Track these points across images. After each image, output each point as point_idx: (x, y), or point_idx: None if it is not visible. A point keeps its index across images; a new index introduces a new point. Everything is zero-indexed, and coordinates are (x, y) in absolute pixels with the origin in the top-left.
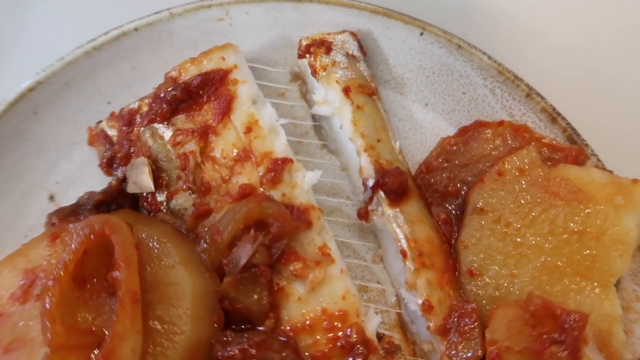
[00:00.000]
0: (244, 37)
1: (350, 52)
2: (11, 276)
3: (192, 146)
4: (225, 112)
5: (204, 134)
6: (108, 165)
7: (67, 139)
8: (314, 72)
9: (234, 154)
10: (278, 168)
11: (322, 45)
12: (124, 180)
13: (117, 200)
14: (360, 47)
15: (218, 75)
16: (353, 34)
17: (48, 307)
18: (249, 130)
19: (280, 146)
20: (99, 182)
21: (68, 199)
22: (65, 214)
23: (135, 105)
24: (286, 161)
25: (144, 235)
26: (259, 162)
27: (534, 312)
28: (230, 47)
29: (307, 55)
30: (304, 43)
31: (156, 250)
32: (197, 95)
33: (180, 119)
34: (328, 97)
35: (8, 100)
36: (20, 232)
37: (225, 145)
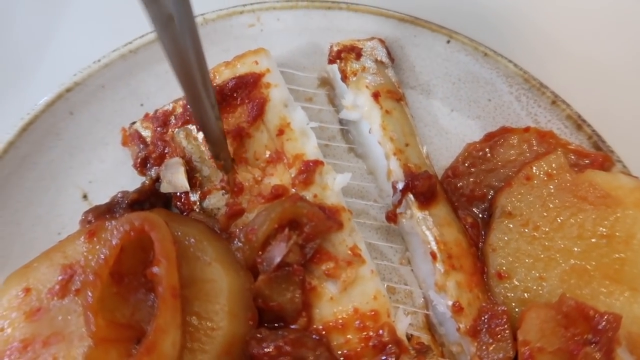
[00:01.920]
0: (273, 42)
1: (379, 58)
2: (49, 271)
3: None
4: (258, 114)
5: (237, 135)
6: (142, 165)
7: (100, 139)
8: (344, 77)
9: (267, 156)
10: (310, 170)
11: (353, 51)
12: (157, 179)
13: (150, 199)
14: (389, 54)
15: (251, 79)
16: (381, 41)
17: (90, 300)
18: (281, 132)
19: (311, 148)
20: (130, 181)
21: (101, 198)
22: (100, 212)
23: (169, 107)
24: (317, 163)
25: (179, 233)
26: (290, 163)
27: (567, 313)
28: (263, 52)
29: (338, 61)
30: (335, 49)
31: (192, 248)
32: (231, 97)
33: None
34: (357, 102)
35: (46, 100)
36: (54, 230)
37: (257, 147)
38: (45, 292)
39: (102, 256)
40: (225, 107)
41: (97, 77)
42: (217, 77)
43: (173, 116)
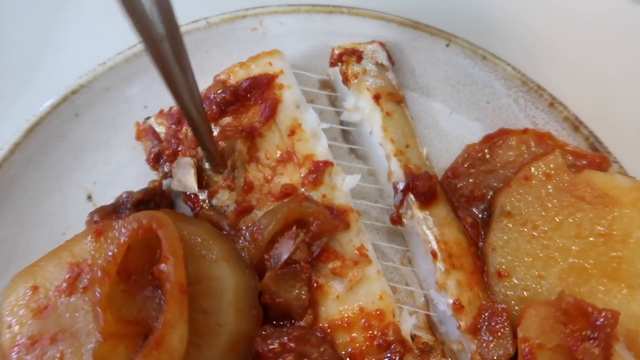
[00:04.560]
0: (275, 46)
1: (379, 61)
2: (56, 270)
3: (239, 146)
4: (271, 115)
5: (250, 135)
6: (155, 161)
7: (105, 141)
8: (346, 80)
9: (277, 156)
10: (319, 170)
11: (354, 54)
12: (164, 178)
13: (154, 199)
14: (389, 57)
15: (265, 80)
16: (382, 44)
17: (99, 296)
18: (292, 133)
19: (321, 149)
20: (134, 183)
21: (105, 199)
22: (106, 212)
23: None
24: (327, 164)
25: (185, 232)
26: (301, 163)
27: (566, 310)
28: (277, 53)
29: (339, 64)
30: (336, 52)
31: (198, 247)
32: (245, 98)
33: (227, 121)
34: (358, 104)
35: (52, 102)
36: (58, 230)
37: (269, 147)
38: (53, 290)
39: (110, 254)
40: (239, 107)
41: (102, 79)
42: (232, 78)
43: None
